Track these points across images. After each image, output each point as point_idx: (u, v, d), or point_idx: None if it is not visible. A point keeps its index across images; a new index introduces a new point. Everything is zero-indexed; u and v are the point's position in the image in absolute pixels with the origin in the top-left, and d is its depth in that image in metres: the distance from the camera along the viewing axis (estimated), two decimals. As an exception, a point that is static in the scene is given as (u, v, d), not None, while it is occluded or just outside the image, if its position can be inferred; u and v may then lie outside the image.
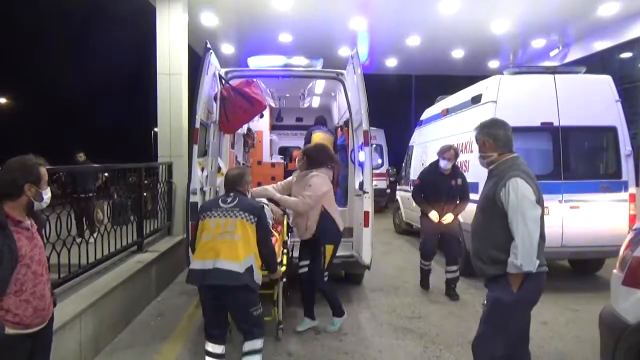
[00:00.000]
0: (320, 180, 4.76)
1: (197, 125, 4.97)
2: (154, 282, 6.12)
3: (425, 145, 9.45)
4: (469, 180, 6.82)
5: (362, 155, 5.56)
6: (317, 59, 6.41)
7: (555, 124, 6.48)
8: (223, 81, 5.70)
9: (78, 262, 4.65)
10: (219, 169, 5.78)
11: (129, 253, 6.05)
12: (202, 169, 5.20)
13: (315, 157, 4.90)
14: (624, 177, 6.46)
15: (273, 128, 9.99)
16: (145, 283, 5.83)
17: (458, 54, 13.11)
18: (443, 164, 6.13)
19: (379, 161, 14.93)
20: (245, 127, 7.91)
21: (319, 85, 7.68)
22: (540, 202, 2.86)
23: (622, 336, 2.80)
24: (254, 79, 6.08)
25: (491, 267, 2.94)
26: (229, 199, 3.70)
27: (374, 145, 14.64)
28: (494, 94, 6.59)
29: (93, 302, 4.26)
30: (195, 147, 4.96)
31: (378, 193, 14.74)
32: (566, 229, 6.30)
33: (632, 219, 6.37)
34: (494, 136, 3.04)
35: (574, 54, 11.82)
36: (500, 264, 2.86)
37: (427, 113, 9.97)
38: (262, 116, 8.76)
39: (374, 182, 13.58)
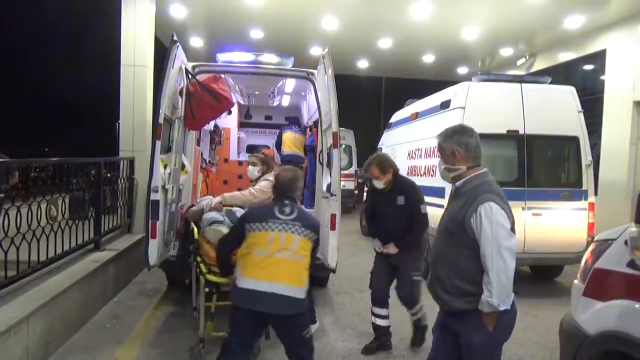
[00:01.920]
0: (269, 183, 5.00)
1: (161, 120, 4.78)
2: (111, 282, 5.88)
3: (394, 148, 9.48)
4: (435, 185, 6.88)
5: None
6: (288, 57, 6.30)
7: (521, 132, 6.59)
8: (189, 76, 5.52)
9: (28, 260, 4.39)
10: (183, 166, 5.61)
11: (85, 251, 5.80)
12: (165, 166, 5.01)
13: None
14: (584, 186, 6.63)
15: (241, 125, 9.82)
16: (102, 283, 5.59)
17: (428, 58, 13.26)
18: (374, 182, 4.57)
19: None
20: (212, 123, 7.72)
21: (289, 84, 7.56)
22: (513, 228, 2.50)
23: (582, 347, 2.82)
24: (222, 75, 5.92)
25: (459, 300, 2.54)
26: (287, 209, 3.22)
27: (343, 146, 14.63)
28: (462, 100, 6.64)
29: (43, 304, 4.03)
30: (158, 143, 4.76)
31: (346, 194, 14.75)
32: (528, 235, 6.42)
33: (591, 227, 6.55)
34: (465, 145, 2.60)
35: (540, 64, 12.14)
36: (469, 296, 2.49)
37: (397, 116, 10.01)
38: (230, 113, 8.59)
39: (342, 183, 13.52)
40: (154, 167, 4.73)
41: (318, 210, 6.18)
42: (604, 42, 9.94)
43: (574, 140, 6.71)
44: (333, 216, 5.16)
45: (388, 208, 4.50)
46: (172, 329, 5.02)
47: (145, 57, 7.76)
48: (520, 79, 7.07)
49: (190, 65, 5.76)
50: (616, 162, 9.21)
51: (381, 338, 4.60)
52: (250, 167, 5.40)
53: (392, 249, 4.47)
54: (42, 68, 35.30)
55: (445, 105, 7.14)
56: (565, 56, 11.31)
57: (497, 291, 2.39)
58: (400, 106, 9.88)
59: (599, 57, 10.14)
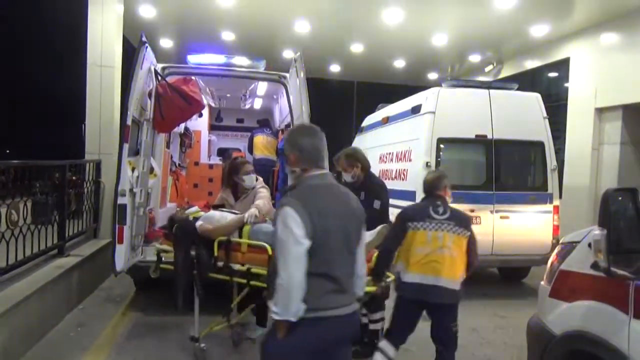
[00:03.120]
0: (267, 191, 5.00)
1: (129, 122, 4.69)
2: (76, 288, 5.69)
3: (365, 152, 9.52)
4: (406, 188, 6.95)
5: None
6: (260, 60, 6.28)
7: (489, 136, 6.73)
8: (159, 77, 5.42)
9: (-13, 268, 4.21)
10: (152, 169, 5.48)
11: (48, 257, 5.59)
12: (133, 169, 4.90)
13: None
14: (550, 189, 6.82)
15: (212, 128, 9.70)
16: (66, 290, 5.40)
17: (399, 63, 13.42)
18: (343, 175, 4.70)
19: None
20: (182, 126, 7.60)
21: (261, 87, 7.53)
22: (317, 235, 2.23)
23: (549, 346, 2.88)
24: (193, 77, 5.84)
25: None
26: (441, 209, 3.58)
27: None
28: (432, 105, 6.73)
29: (3, 312, 3.87)
30: (126, 146, 4.67)
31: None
32: (496, 237, 6.55)
33: (556, 229, 6.74)
34: (298, 147, 2.44)
35: (507, 71, 12.45)
36: None
37: (368, 120, 10.09)
38: (200, 115, 8.49)
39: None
40: (121, 170, 4.63)
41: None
42: (567, 50, 10.27)
43: (540, 145, 6.89)
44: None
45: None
46: (140, 335, 4.90)
47: (112, 57, 7.58)
48: (488, 85, 7.23)
49: (159, 66, 5.67)
50: (579, 167, 9.51)
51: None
52: (252, 176, 4.98)
53: None
54: (2, 66, 34.10)
55: (416, 110, 7.23)
56: (531, 64, 11.63)
57: (279, 299, 2.22)
58: (372, 110, 9.96)
59: (563, 65, 10.46)
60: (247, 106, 9.15)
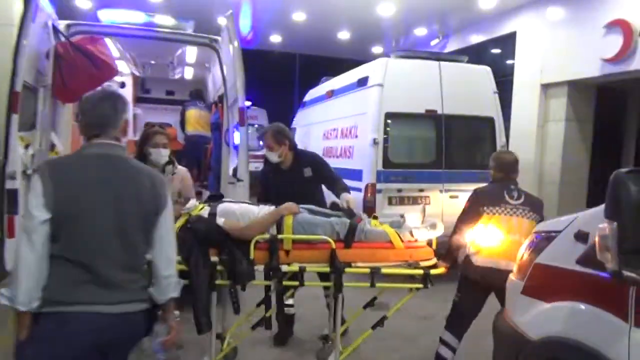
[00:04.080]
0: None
1: (19, 88, 3.87)
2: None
3: (309, 128, 8.95)
4: (352, 167, 6.47)
5: (237, 137, 4.82)
6: (188, 20, 5.49)
7: (439, 111, 6.37)
8: (61, 36, 4.51)
9: None
10: (53, 146, 4.61)
11: None
12: (27, 146, 4.05)
13: None
14: (499, 168, 6.57)
15: (138, 100, 8.71)
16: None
17: (344, 35, 12.89)
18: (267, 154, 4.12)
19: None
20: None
21: (191, 53, 6.71)
22: (58, 209, 1.88)
23: (522, 352, 2.48)
24: (104, 37, 4.96)
25: None
26: (515, 194, 3.53)
27: (256, 126, 13.89)
28: (380, 76, 6.25)
29: None
30: (15, 117, 3.85)
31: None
32: (445, 218, 6.18)
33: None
34: (82, 112, 2.16)
35: (453, 45, 12.18)
36: None
37: (311, 94, 9.48)
38: (123, 86, 7.55)
39: (256, 165, 12.72)
40: (9, 147, 3.79)
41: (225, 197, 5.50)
42: (514, 24, 10.06)
43: (490, 121, 6.64)
44: (240, 205, 4.52)
45: (296, 183, 3.94)
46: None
47: (9, 14, 6.37)
48: (437, 57, 6.84)
49: (63, 23, 4.76)
50: (524, 145, 9.36)
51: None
52: (161, 150, 3.86)
53: (350, 198, 3.78)
54: None
55: (362, 82, 6.73)
56: (477, 38, 11.40)
57: (12, 281, 1.88)
58: (315, 85, 9.35)
59: (509, 40, 10.26)
60: (177, 76, 8.26)
